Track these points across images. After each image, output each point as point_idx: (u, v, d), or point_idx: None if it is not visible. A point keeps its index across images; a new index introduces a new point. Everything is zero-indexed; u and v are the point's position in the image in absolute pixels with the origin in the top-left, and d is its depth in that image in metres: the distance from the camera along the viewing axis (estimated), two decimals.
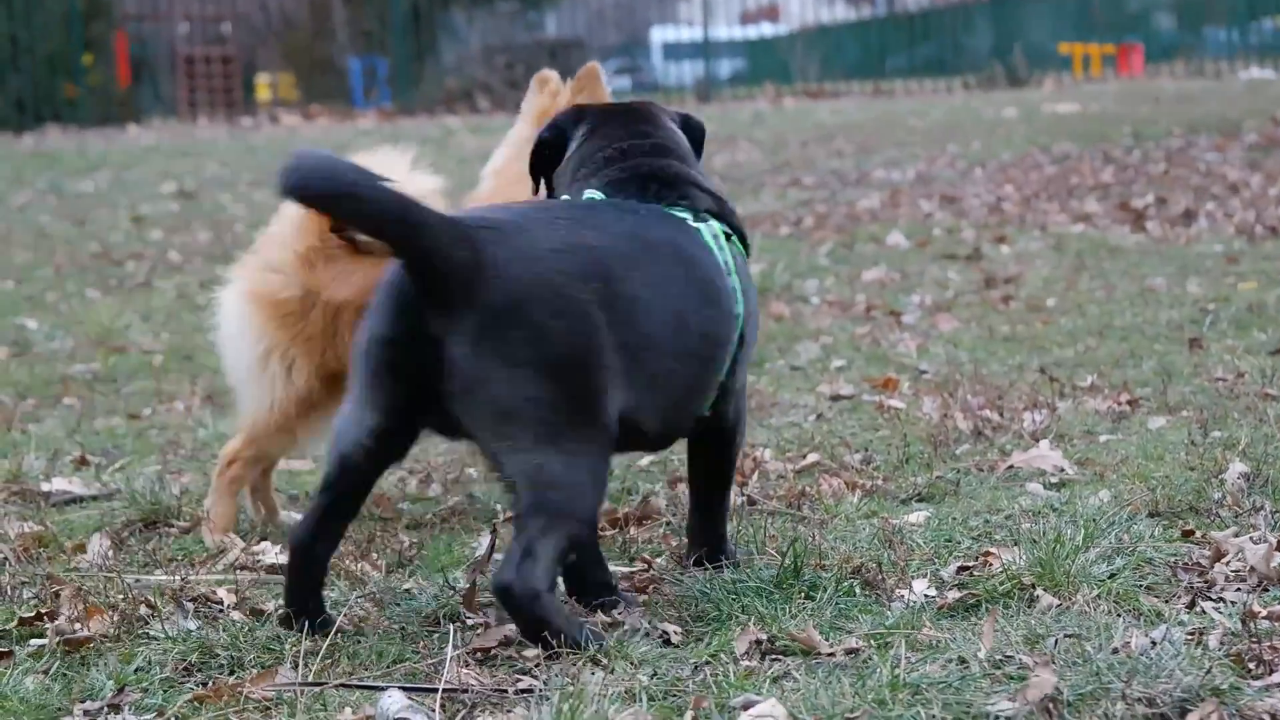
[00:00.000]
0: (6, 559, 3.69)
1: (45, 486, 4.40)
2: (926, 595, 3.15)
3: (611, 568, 3.40)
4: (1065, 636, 2.82)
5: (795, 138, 17.29)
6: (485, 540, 3.69)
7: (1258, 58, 26.45)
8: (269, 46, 38.52)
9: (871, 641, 2.92)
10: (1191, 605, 3.01)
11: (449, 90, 27.99)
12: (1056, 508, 3.68)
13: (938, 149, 14.80)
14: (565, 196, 3.42)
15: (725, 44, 35.30)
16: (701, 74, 30.42)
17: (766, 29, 38.32)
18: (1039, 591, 3.07)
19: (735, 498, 3.92)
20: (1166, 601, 3.04)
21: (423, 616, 3.17)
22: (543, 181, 3.56)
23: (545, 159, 3.54)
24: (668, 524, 3.74)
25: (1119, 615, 2.96)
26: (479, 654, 2.97)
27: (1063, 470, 4.01)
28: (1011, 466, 4.09)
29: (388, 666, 2.93)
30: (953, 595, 3.12)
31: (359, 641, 3.03)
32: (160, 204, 13.60)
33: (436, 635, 3.09)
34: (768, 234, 9.48)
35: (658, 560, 3.51)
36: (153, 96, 32.14)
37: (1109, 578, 3.12)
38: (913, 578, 3.25)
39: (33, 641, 3.12)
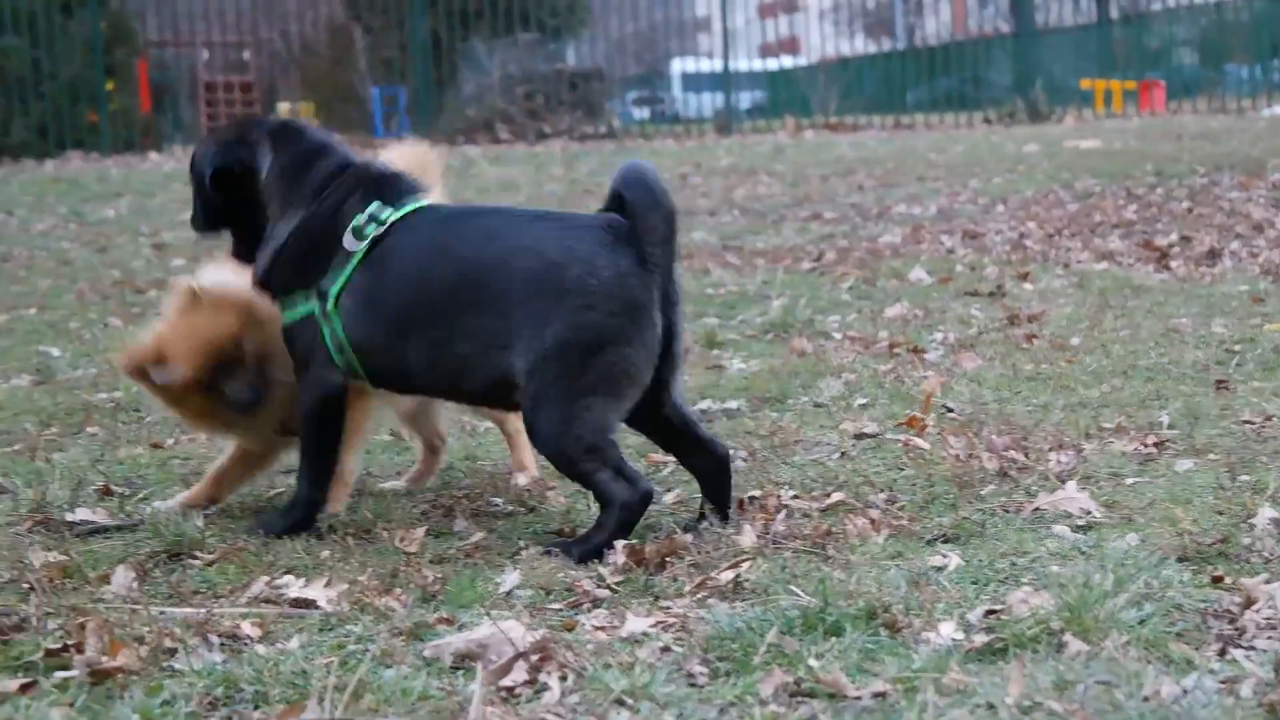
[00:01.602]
0: (33, 589, 3.69)
1: (69, 516, 4.40)
2: (953, 639, 3.14)
3: (636, 609, 3.40)
4: (1095, 683, 2.81)
5: (816, 171, 17.31)
6: (510, 576, 3.69)
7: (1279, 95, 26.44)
8: (289, 74, 38.68)
9: (898, 685, 2.91)
10: (1222, 653, 2.99)
11: (469, 120, 28.08)
12: (1084, 551, 3.66)
13: (959, 184, 14.81)
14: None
15: (745, 76, 35.41)
16: (721, 106, 30.47)
17: (786, 61, 38.36)
18: (1067, 637, 3.06)
19: (757, 536, 3.92)
20: (1197, 649, 3.02)
21: (449, 653, 3.16)
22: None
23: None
24: (693, 564, 3.72)
25: (1149, 662, 2.94)
26: (503, 692, 2.97)
27: (1090, 513, 4.00)
28: (1038, 508, 4.07)
29: (413, 704, 2.92)
30: (980, 639, 3.11)
31: (384, 678, 3.02)
32: (181, 231, 13.61)
33: (461, 672, 3.08)
34: (789, 269, 9.48)
35: (682, 599, 3.50)
36: (174, 123, 32.26)
37: (1139, 624, 3.11)
38: (939, 620, 3.23)
39: (58, 673, 3.11)
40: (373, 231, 4.07)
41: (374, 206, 4.11)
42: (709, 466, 4.12)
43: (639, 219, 3.90)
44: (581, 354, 3.83)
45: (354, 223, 4.08)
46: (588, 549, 3.87)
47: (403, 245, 4.05)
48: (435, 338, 3.97)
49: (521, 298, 3.87)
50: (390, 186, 4.17)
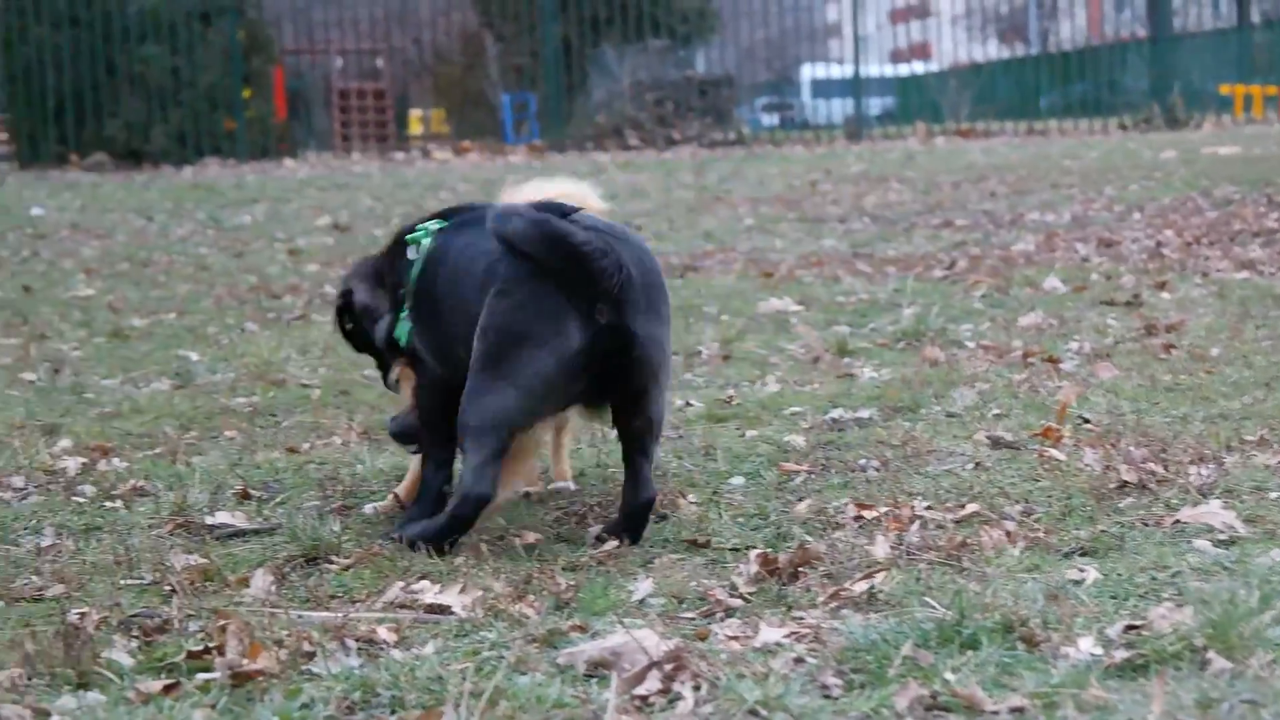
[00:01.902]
0: (174, 591, 3.76)
1: (209, 519, 4.47)
2: (1092, 654, 3.09)
3: (769, 619, 3.40)
4: (1240, 702, 2.76)
5: (947, 178, 17.17)
6: (643, 584, 3.69)
7: None
8: (422, 81, 39.06)
9: (1036, 701, 2.87)
10: None
11: (598, 126, 28.19)
12: (1227, 566, 3.60)
13: (1094, 191, 14.62)
14: None
15: (876, 81, 35.21)
16: (851, 112, 30.35)
17: (918, 66, 38.12)
18: (1211, 654, 3.00)
19: (890, 547, 3.89)
20: None
21: (583, 661, 3.17)
22: None
23: None
24: (825, 575, 3.70)
25: None
26: (637, 701, 2.97)
27: (1232, 527, 3.92)
28: (1178, 522, 4.01)
29: (547, 711, 2.93)
30: (1120, 655, 3.06)
31: (519, 684, 3.04)
32: (315, 237, 13.82)
33: (595, 680, 3.09)
34: (921, 276, 9.41)
35: (815, 610, 3.49)
36: (308, 130, 32.71)
37: None
38: (1078, 635, 3.19)
39: (200, 675, 3.16)
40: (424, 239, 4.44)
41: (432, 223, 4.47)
42: (632, 502, 4.15)
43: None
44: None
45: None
46: (416, 533, 4.07)
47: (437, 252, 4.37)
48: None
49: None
50: (456, 211, 4.56)
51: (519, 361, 3.94)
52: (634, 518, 4.14)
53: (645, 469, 4.13)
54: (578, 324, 3.93)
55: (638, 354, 3.98)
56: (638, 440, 4.11)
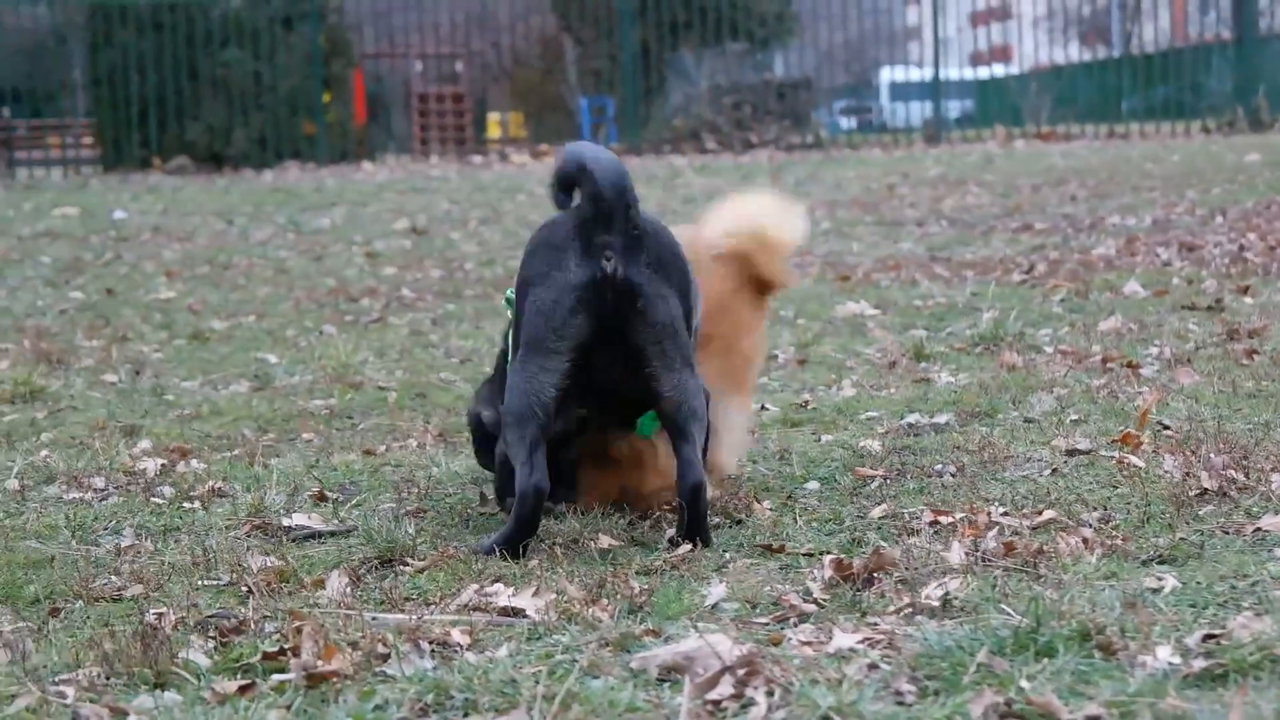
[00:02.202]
0: (250, 592, 3.79)
1: (285, 521, 4.51)
2: (1170, 663, 3.05)
3: (843, 624, 3.38)
4: None
5: (1026, 181, 17.06)
6: (716, 588, 3.69)
7: None
8: (500, 85, 39.23)
9: (1114, 710, 2.84)
10: None
11: (676, 130, 28.21)
12: None
13: (1176, 195, 14.48)
14: None
15: (955, 84, 35.02)
16: (930, 115, 30.19)
17: (998, 69, 37.87)
18: None
19: (966, 553, 3.87)
20: None
21: (656, 665, 3.17)
22: None
23: None
24: (900, 580, 3.68)
25: None
26: (709, 705, 2.96)
27: None
28: (1259, 530, 3.96)
29: (620, 715, 2.93)
30: (1199, 664, 3.02)
31: (591, 688, 3.04)
32: (393, 240, 13.90)
33: (668, 684, 3.08)
34: (999, 280, 9.35)
35: (890, 615, 3.47)
36: (386, 134, 32.93)
37: None
38: (1156, 644, 3.15)
39: (275, 676, 3.18)
40: None
41: None
42: (680, 492, 4.12)
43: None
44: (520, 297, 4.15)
45: None
46: (487, 545, 4.09)
47: None
48: None
49: None
50: None
51: (527, 315, 4.04)
52: (685, 508, 4.11)
53: (686, 451, 4.09)
54: (577, 260, 3.99)
55: (641, 306, 4.00)
56: (671, 421, 4.10)
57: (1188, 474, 4.45)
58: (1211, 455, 4.61)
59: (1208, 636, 3.16)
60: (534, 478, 3.99)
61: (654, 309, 4.03)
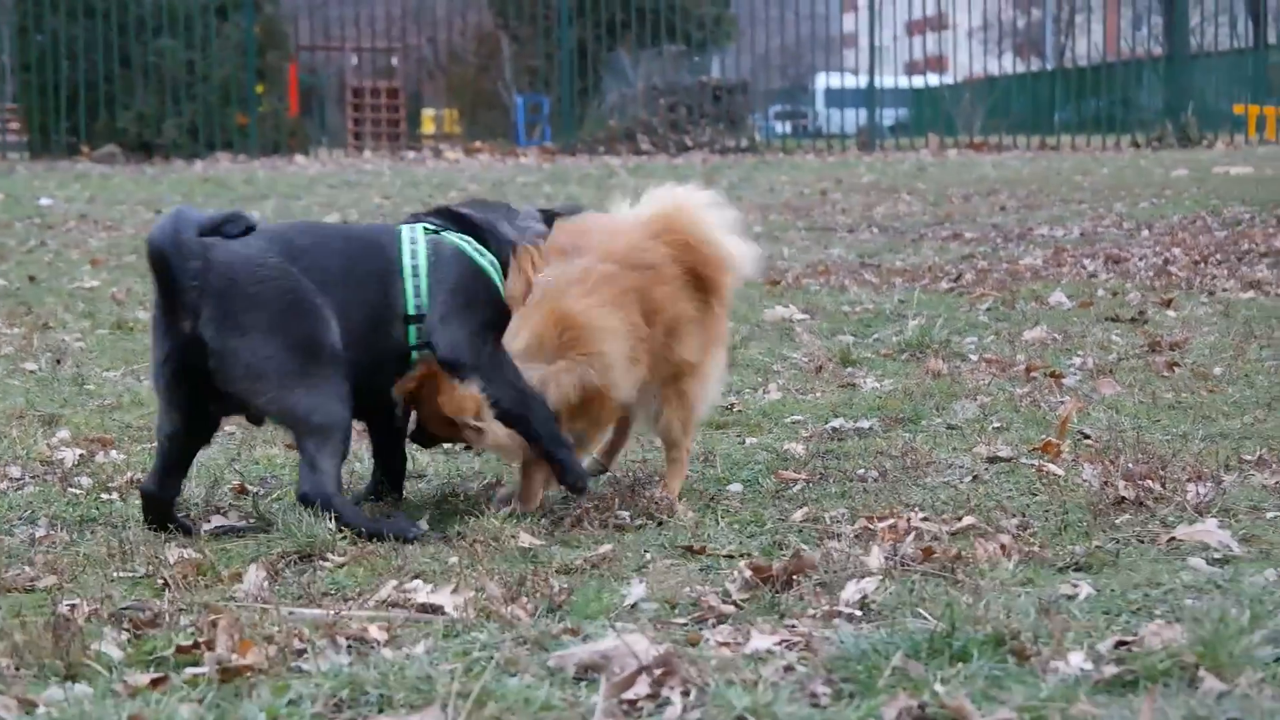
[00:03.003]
0: (167, 585, 3.76)
1: (207, 515, 4.47)
2: (1082, 669, 3.08)
3: (761, 626, 3.39)
4: None
5: (957, 190, 17.17)
6: (636, 588, 3.69)
7: None
8: (436, 81, 39.08)
9: (1026, 714, 2.86)
10: None
11: (611, 130, 28.19)
12: (1220, 585, 3.59)
13: (1104, 207, 14.61)
14: None
15: (890, 92, 35.15)
16: (864, 122, 30.31)
17: (932, 79, 38.07)
18: (1201, 672, 2.99)
19: (885, 557, 3.89)
20: None
21: (573, 664, 3.16)
22: None
23: None
24: (819, 583, 3.70)
25: None
26: (625, 705, 2.97)
27: (1227, 546, 3.91)
28: (1174, 539, 4.00)
29: (536, 713, 2.93)
30: (1110, 670, 3.05)
31: (508, 686, 3.03)
32: None
33: (584, 683, 3.08)
34: (927, 288, 9.40)
35: (807, 617, 3.48)
36: (320, 127, 32.73)
37: (1275, 662, 3.04)
38: (1068, 650, 3.18)
39: (189, 669, 3.16)
40: None
41: None
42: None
43: None
44: None
45: None
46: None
47: None
48: None
49: None
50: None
51: None
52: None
53: (302, 467, 4.30)
54: (164, 333, 4.22)
55: (213, 365, 4.18)
56: (294, 439, 4.38)
57: (1106, 483, 4.50)
58: (1130, 465, 4.66)
59: (1120, 643, 3.19)
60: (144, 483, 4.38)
61: (224, 364, 4.19)
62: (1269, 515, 4.26)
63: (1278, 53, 31.03)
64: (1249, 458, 4.89)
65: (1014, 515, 4.33)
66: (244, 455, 5.38)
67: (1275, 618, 3.27)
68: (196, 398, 4.25)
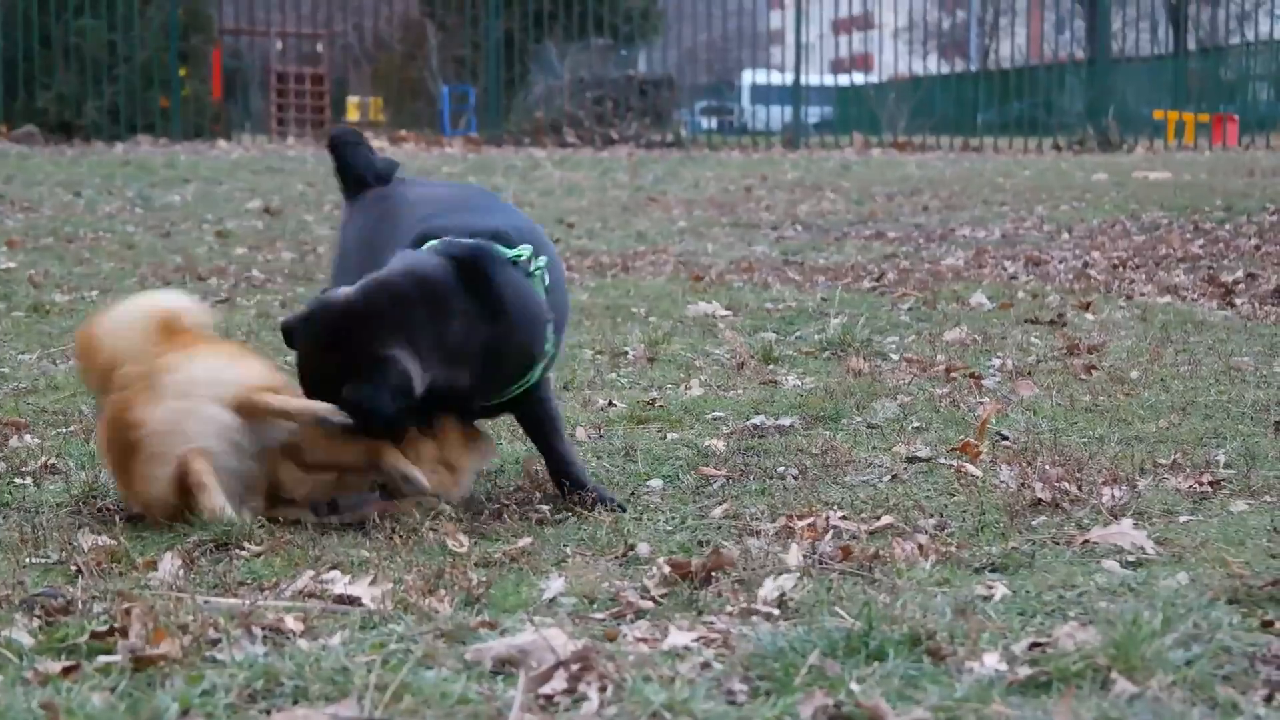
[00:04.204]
0: (80, 572, 3.72)
1: (119, 502, 4.42)
2: (997, 670, 3.11)
3: (679, 623, 3.40)
4: None
5: (881, 190, 17.26)
6: (555, 582, 3.68)
7: None
8: (361, 69, 38.87)
9: (940, 715, 2.88)
10: (1269, 699, 2.95)
11: (537, 122, 28.16)
12: (1134, 588, 3.63)
13: (1025, 210, 14.74)
14: None
15: (815, 90, 35.27)
16: (790, 119, 30.41)
17: (858, 78, 38.26)
18: (1114, 674, 3.02)
19: (803, 555, 3.90)
20: (1244, 693, 2.98)
21: (490, 658, 3.16)
22: None
23: None
24: (738, 580, 3.70)
25: (1194, 705, 2.91)
26: (542, 700, 2.96)
27: (1141, 549, 3.96)
28: (1088, 542, 4.04)
29: (451, 707, 2.92)
30: (1024, 672, 3.08)
31: (424, 679, 3.02)
32: (245, 220, 13.73)
33: (502, 677, 3.07)
34: (850, 287, 9.45)
35: (725, 614, 3.49)
36: (244, 112, 32.49)
37: (1186, 665, 3.07)
38: (984, 651, 3.21)
39: (101, 657, 3.13)
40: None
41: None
42: None
43: None
44: None
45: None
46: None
47: None
48: None
49: None
50: None
51: None
52: None
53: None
54: None
55: None
56: None
57: (1023, 484, 4.54)
58: (1046, 467, 4.70)
59: (1034, 645, 3.22)
60: None
61: None
62: (1182, 519, 4.31)
63: (1197, 59, 31.39)
64: (1164, 461, 4.94)
65: (932, 515, 4.36)
66: None
67: (1187, 621, 3.30)
68: None
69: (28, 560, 3.87)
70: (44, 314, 8.30)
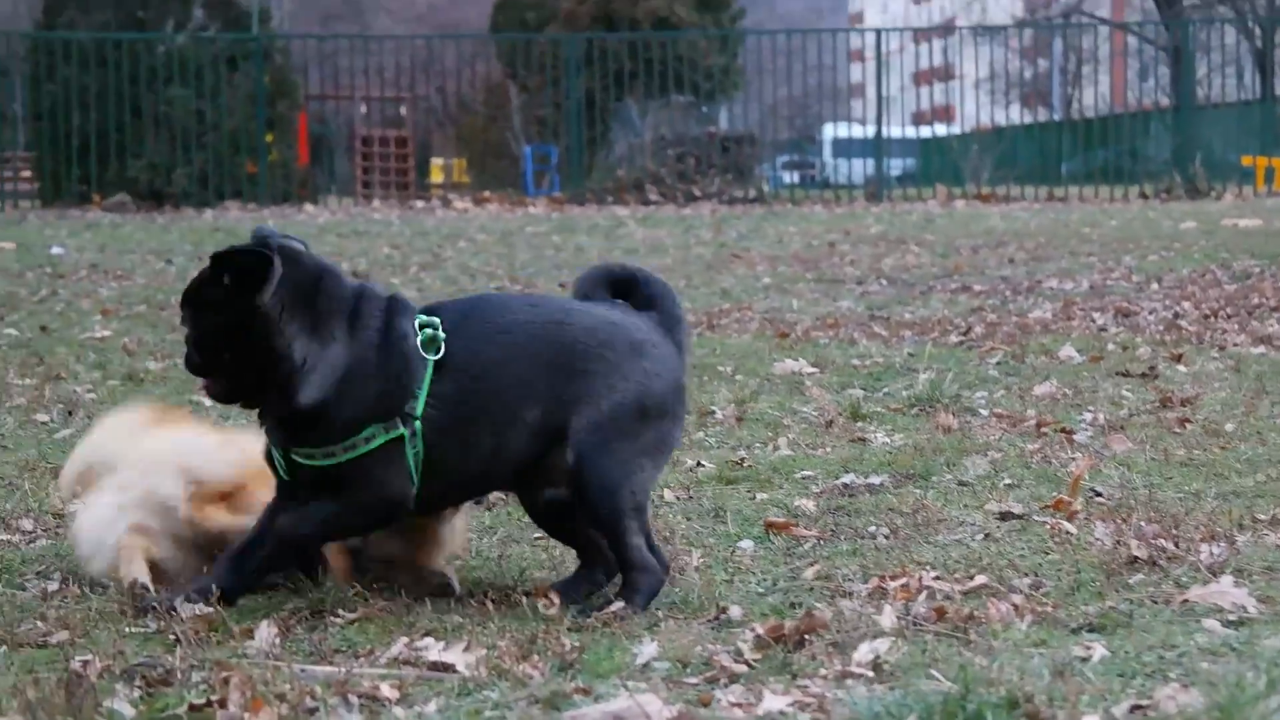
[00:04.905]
0: (179, 641, 3.75)
1: None
2: None
3: (773, 686, 3.38)
4: None
5: (966, 242, 17.20)
6: (648, 647, 3.68)
7: None
8: (444, 130, 39.27)
9: None
10: None
11: (619, 180, 28.33)
12: (1236, 648, 3.58)
13: (1113, 260, 14.63)
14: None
15: (897, 143, 35.30)
16: (872, 172, 30.42)
17: (940, 129, 38.20)
18: None
19: (897, 617, 3.88)
20: None
21: None
22: None
23: None
24: (831, 643, 3.68)
25: None
26: None
27: (1243, 608, 3.90)
28: (1188, 600, 3.98)
29: None
30: None
31: None
32: None
33: None
34: (937, 341, 9.41)
35: (820, 678, 3.47)
36: (329, 176, 32.89)
37: None
38: (1083, 713, 3.17)
39: None
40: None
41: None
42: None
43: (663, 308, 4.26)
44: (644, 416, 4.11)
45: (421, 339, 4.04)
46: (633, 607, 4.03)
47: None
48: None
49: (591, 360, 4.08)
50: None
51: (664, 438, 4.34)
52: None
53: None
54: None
55: None
56: None
57: (1118, 542, 4.49)
58: (1142, 524, 4.65)
59: (1135, 707, 3.18)
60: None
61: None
62: None
63: None
64: (1262, 517, 4.87)
65: (1026, 574, 4.32)
66: None
67: None
68: None
69: (128, 630, 3.91)
70: (138, 382, 8.40)
